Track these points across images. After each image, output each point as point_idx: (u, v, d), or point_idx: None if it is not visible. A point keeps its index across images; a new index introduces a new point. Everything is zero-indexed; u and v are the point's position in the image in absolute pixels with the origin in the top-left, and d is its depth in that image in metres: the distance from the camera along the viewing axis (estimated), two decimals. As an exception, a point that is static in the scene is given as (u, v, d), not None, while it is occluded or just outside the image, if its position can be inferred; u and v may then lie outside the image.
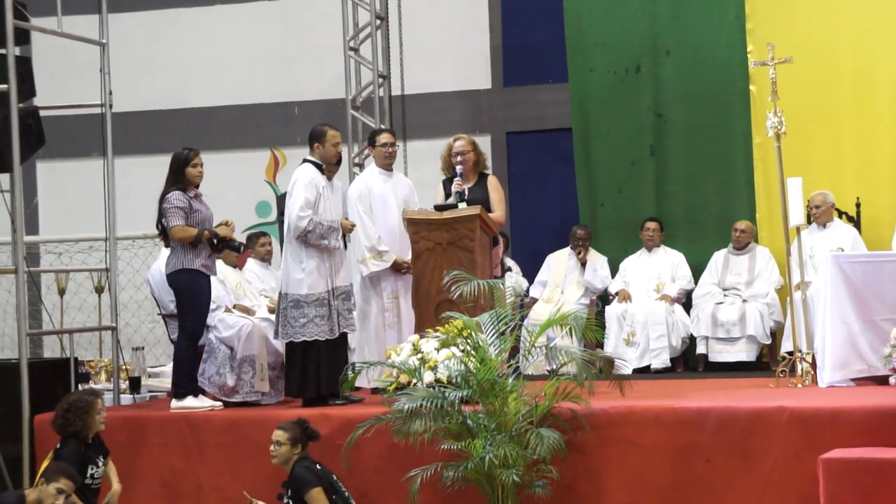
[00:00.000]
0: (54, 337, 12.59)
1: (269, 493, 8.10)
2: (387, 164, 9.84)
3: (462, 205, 9.35)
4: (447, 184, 9.72)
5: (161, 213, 9.11)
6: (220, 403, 9.25)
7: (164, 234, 9.18)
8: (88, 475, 8.10)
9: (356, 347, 9.78)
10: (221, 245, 9.14)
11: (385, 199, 9.71)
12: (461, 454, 7.82)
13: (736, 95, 11.97)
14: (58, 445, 8.14)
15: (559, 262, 12.35)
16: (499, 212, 9.70)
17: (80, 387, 10.03)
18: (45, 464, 8.15)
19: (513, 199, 13.63)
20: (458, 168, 9.61)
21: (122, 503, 8.79)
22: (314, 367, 9.09)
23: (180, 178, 9.11)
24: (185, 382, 9.18)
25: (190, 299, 9.11)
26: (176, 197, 9.06)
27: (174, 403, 9.14)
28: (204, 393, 9.30)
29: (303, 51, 14.16)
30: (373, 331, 9.64)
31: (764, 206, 11.76)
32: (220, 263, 9.61)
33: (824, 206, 11.13)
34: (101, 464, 8.26)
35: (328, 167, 9.47)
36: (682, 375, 11.35)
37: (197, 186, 9.20)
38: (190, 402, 9.13)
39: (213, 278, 9.30)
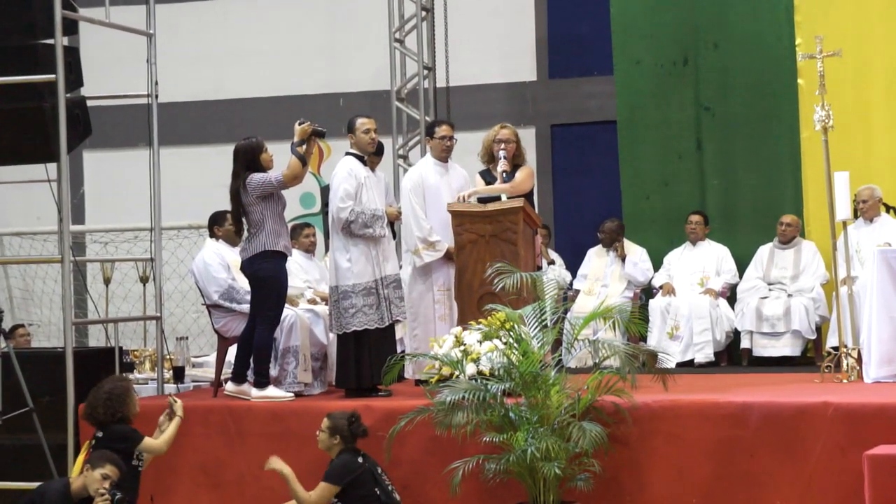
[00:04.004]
0: (99, 326, 12.67)
1: (310, 483, 8.12)
2: (443, 157, 9.81)
3: (504, 197, 9.33)
4: (485, 175, 9.70)
5: (242, 197, 9.06)
6: (291, 394, 9.28)
7: (241, 223, 9.19)
8: (135, 456, 8.11)
9: (407, 338, 9.79)
10: (315, 134, 9.16)
11: (438, 191, 9.66)
12: (503, 447, 7.82)
13: (784, 89, 11.87)
14: (99, 434, 8.13)
15: (599, 257, 12.33)
16: (518, 177, 9.57)
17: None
18: (81, 456, 8.16)
19: (556, 192, 13.61)
20: (502, 153, 9.59)
21: (164, 492, 8.88)
22: (367, 357, 9.12)
23: (255, 166, 9.12)
24: (267, 372, 9.21)
25: (274, 287, 9.13)
26: (260, 174, 9.07)
27: (255, 393, 9.12)
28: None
29: (348, 42, 14.19)
30: (424, 322, 9.63)
31: (811, 200, 11.67)
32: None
33: (871, 201, 11.03)
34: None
35: (370, 158, 9.49)
36: (726, 370, 11.29)
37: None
38: (272, 391, 9.16)
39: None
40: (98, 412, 8.13)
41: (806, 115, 11.24)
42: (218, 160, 12.11)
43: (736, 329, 11.58)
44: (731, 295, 11.84)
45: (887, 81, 11.55)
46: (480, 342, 8.39)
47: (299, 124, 9.14)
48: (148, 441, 8.12)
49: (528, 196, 9.53)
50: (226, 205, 9.51)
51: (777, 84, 11.94)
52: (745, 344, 11.49)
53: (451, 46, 13.23)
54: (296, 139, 9.10)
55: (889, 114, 11.55)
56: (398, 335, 9.83)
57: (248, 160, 9.14)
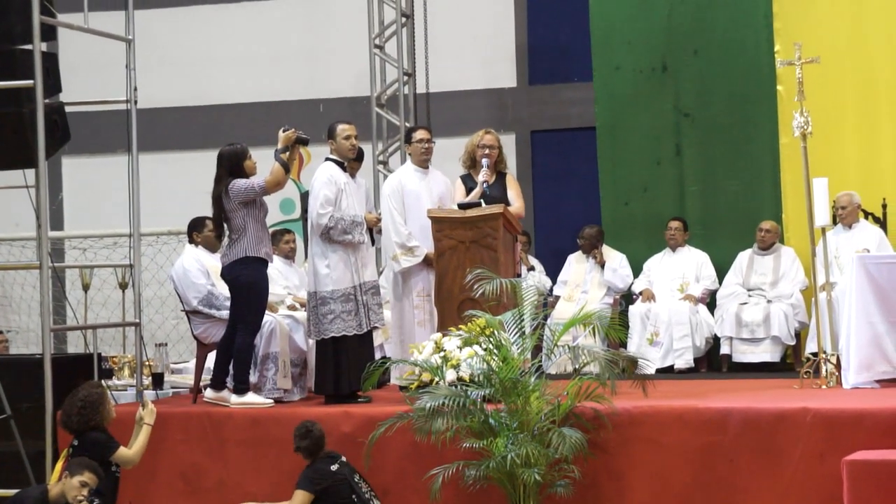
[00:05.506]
0: (78, 332, 12.62)
1: (290, 489, 8.10)
2: (423, 162, 9.82)
3: (483, 203, 9.33)
4: (466, 179, 9.72)
5: (224, 202, 9.03)
6: (271, 401, 9.26)
7: (222, 227, 9.17)
8: (113, 462, 8.08)
9: (387, 344, 9.76)
10: (299, 141, 9.14)
11: (418, 197, 9.68)
12: (483, 453, 7.81)
13: (763, 95, 11.92)
14: (75, 442, 8.10)
15: (579, 263, 12.34)
16: (518, 203, 9.68)
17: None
18: (59, 463, 8.12)
19: (536, 198, 13.61)
20: (485, 161, 9.61)
21: (142, 498, 8.84)
22: (345, 363, 9.11)
23: (238, 171, 9.10)
24: (247, 379, 9.19)
25: (255, 293, 9.10)
26: (242, 180, 9.05)
27: (235, 399, 9.09)
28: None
29: (328, 48, 14.18)
30: (404, 328, 9.62)
31: (790, 206, 11.71)
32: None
33: (850, 207, 11.07)
34: None
35: (350, 164, 9.48)
36: (706, 376, 11.32)
37: None
38: (251, 398, 9.13)
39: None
40: (72, 420, 8.08)
41: (785, 122, 11.29)
42: (197, 166, 12.11)
43: (715, 335, 11.61)
44: (710, 301, 11.87)
45: (865, 88, 11.60)
46: (460, 348, 8.39)
47: (283, 131, 9.12)
48: (122, 451, 8.07)
49: (508, 202, 9.54)
50: (205, 211, 9.49)
51: (756, 90, 11.99)
52: (724, 350, 11.51)
53: (430, 52, 13.24)
54: (279, 146, 9.09)
55: (867, 120, 11.60)
56: (377, 342, 9.82)
57: (232, 166, 9.13)
